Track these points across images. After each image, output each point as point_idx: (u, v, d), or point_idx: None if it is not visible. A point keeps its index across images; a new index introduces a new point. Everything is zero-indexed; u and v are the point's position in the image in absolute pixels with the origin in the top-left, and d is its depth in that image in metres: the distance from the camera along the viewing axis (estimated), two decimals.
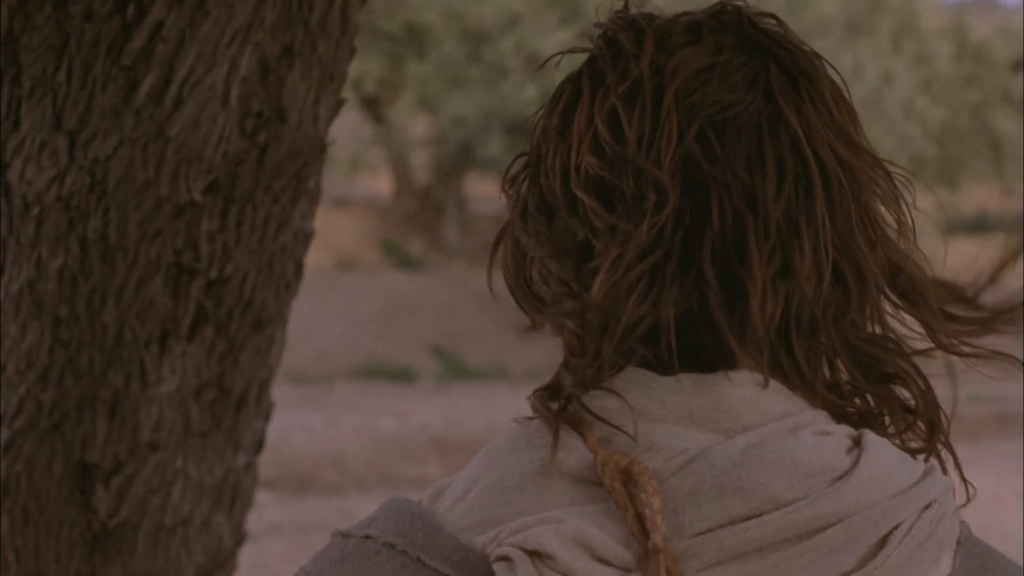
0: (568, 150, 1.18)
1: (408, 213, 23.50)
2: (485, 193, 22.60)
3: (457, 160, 22.11)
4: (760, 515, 1.11)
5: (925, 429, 1.21)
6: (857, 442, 1.16)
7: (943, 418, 1.21)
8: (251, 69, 2.16)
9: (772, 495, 1.11)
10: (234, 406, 2.57)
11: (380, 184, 24.53)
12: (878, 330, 1.20)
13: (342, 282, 19.28)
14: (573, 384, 1.16)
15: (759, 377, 1.16)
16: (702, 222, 1.15)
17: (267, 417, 2.73)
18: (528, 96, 19.58)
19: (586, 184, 1.16)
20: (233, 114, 2.14)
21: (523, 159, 1.23)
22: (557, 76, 1.25)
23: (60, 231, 2.24)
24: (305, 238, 2.48)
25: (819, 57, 1.22)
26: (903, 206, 1.21)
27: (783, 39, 1.21)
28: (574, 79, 1.21)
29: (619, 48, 1.19)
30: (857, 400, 1.21)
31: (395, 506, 1.21)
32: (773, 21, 1.22)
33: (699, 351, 1.17)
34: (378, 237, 22.82)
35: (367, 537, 1.20)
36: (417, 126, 23.02)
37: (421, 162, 23.55)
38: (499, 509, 1.15)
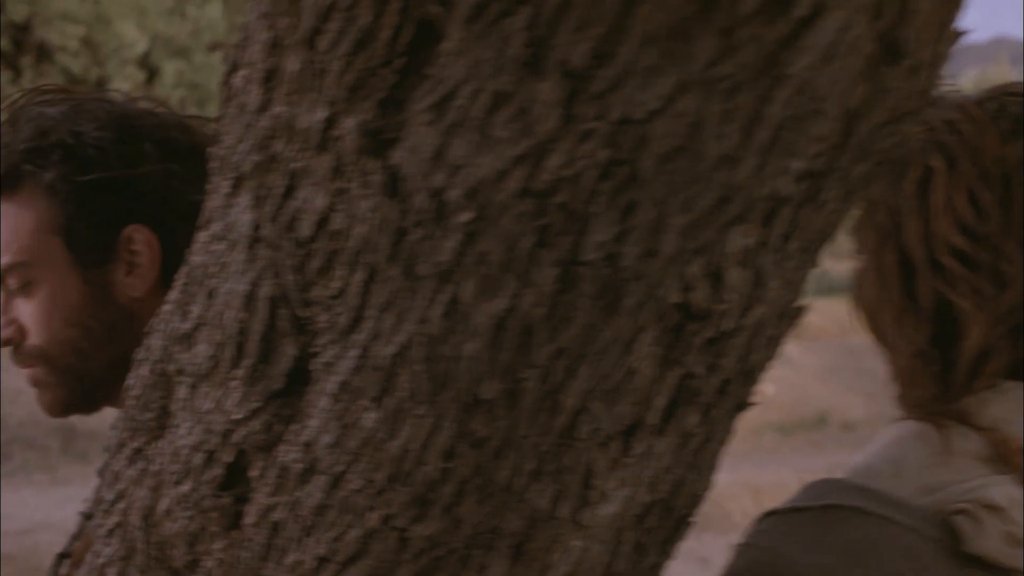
0: (927, 220, 1.59)
1: None
2: None
3: None
4: None
5: None
6: None
7: None
8: None
9: None
10: (666, 534, 1.63)
11: None
12: None
13: None
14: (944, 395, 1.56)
15: None
16: None
17: None
18: None
19: (950, 252, 1.57)
20: (867, 38, 1.22)
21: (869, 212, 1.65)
22: None
23: (516, 253, 1.29)
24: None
25: None
26: None
27: None
28: (921, 155, 1.60)
29: (962, 135, 1.59)
30: None
31: (840, 485, 1.57)
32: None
33: None
34: None
35: (826, 507, 1.55)
36: None
37: None
38: (929, 481, 1.51)
